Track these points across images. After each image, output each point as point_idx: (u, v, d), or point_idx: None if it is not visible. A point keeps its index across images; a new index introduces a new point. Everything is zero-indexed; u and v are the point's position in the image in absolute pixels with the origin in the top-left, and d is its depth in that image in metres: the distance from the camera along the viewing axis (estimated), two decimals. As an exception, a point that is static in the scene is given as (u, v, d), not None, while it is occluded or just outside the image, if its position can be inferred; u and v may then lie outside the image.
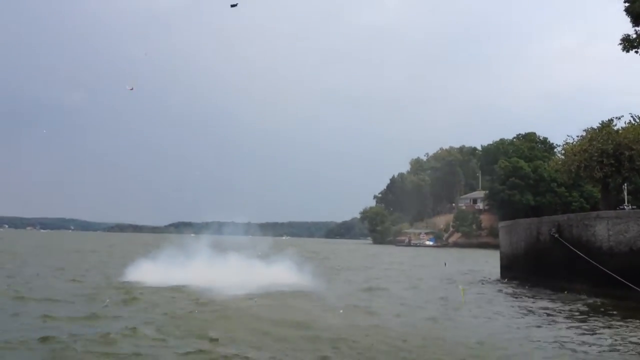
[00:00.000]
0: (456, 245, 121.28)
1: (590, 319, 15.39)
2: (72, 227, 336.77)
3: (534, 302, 19.29)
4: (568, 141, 39.92)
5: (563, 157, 41.22)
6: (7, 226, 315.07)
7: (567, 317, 15.74)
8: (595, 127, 38.29)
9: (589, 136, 37.05)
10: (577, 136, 39.07)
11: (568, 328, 13.75)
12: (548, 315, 16.14)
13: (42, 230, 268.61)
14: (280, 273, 23.67)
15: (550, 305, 18.42)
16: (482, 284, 27.30)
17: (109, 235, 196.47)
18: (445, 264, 40.99)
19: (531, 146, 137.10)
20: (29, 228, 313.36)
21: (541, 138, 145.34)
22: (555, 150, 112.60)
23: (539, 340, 11.99)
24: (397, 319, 14.83)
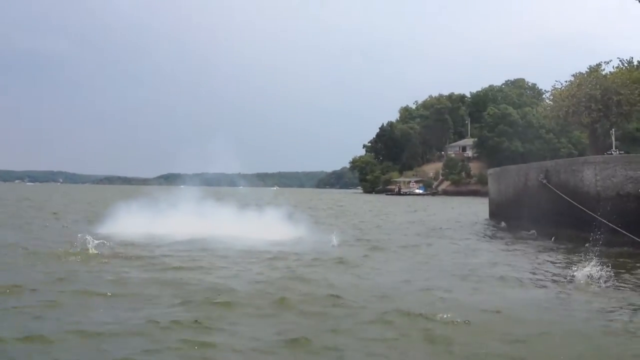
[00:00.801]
0: (445, 193, 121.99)
1: (570, 261, 15.54)
2: (61, 180, 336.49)
3: (515, 248, 19.44)
4: (556, 86, 39.87)
5: (551, 102, 41.21)
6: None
7: (548, 261, 15.89)
8: (584, 72, 38.19)
9: (577, 81, 37.00)
10: (566, 81, 39.01)
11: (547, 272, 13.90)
12: (522, 253, 16.32)
13: (29, 183, 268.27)
14: (278, 225, 22.05)
15: (528, 248, 18.59)
16: (469, 233, 27.38)
17: (97, 187, 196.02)
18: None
19: (520, 92, 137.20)
20: (17, 181, 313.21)
21: (530, 84, 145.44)
22: (544, 96, 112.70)
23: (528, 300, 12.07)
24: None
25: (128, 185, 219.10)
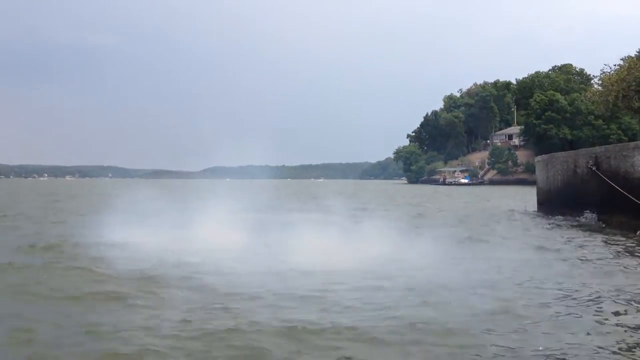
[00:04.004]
0: (492, 182, 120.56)
1: (624, 251, 15.19)
2: (110, 175, 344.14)
3: (564, 235, 19.05)
4: (605, 71, 38.86)
5: (600, 87, 40.21)
6: (46, 175, 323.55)
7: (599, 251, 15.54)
8: (634, 55, 37.13)
9: (626, 65, 35.99)
10: (615, 65, 37.98)
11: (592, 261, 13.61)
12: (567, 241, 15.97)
13: (69, 179, 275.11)
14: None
15: (578, 237, 18.20)
16: (514, 220, 27.00)
17: (144, 182, 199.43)
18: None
19: (567, 78, 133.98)
20: (68, 177, 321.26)
21: (578, 69, 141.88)
22: (592, 81, 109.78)
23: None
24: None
25: (175, 179, 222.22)
